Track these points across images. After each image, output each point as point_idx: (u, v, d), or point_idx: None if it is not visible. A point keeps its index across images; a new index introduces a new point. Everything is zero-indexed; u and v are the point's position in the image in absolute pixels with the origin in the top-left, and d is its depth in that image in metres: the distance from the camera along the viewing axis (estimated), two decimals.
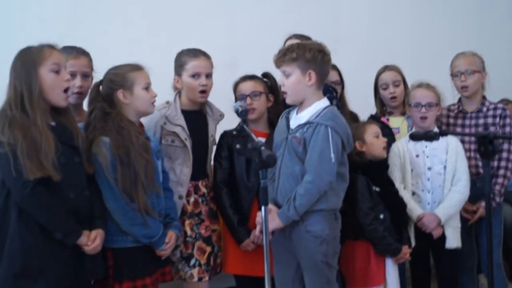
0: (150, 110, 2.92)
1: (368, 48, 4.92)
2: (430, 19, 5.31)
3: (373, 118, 3.70)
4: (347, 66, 3.76)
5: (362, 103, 3.84)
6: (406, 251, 3.14)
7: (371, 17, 5.11)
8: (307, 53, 2.79)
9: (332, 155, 2.73)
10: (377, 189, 3.14)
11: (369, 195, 3.12)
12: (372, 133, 3.26)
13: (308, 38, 3.39)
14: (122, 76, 2.82)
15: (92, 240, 2.59)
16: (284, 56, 2.83)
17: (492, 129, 3.45)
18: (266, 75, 3.36)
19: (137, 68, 2.87)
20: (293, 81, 2.83)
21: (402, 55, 4.01)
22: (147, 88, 2.86)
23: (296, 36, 3.49)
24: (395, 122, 3.70)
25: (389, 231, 3.12)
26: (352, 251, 3.14)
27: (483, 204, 3.40)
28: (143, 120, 3.02)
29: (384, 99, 3.73)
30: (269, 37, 3.69)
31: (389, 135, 3.52)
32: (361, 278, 3.15)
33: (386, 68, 3.76)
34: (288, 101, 2.93)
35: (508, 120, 3.48)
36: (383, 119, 3.70)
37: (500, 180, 3.42)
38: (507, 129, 3.46)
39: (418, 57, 4.57)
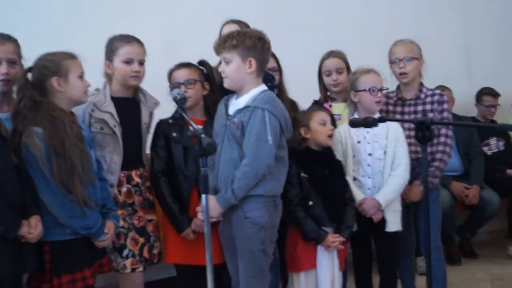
0: (83, 99, 2.91)
1: (312, 35, 4.98)
2: (373, 7, 5.44)
3: (316, 104, 3.76)
4: (290, 53, 3.79)
5: (306, 90, 3.88)
6: (332, 239, 3.19)
7: (313, 3, 5.18)
8: (247, 41, 2.83)
9: (269, 138, 2.77)
10: (306, 175, 3.21)
11: (297, 181, 3.19)
12: (318, 120, 3.32)
13: (245, 24, 3.41)
14: (57, 63, 2.78)
15: (34, 227, 2.56)
16: (224, 43, 2.87)
17: (430, 115, 3.53)
18: (201, 62, 3.36)
19: (71, 56, 2.84)
20: (233, 68, 2.87)
21: (345, 41, 4.06)
22: (81, 77, 2.84)
23: (234, 21, 3.50)
24: (337, 108, 3.75)
25: (319, 218, 3.19)
26: (285, 236, 3.23)
27: (416, 182, 3.51)
28: None
29: (327, 85, 3.79)
30: (208, 23, 3.69)
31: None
32: (290, 262, 3.24)
33: (330, 54, 3.81)
34: (226, 85, 2.96)
35: (445, 106, 3.57)
36: (326, 105, 3.75)
37: (436, 163, 3.52)
38: (445, 114, 3.55)
39: (358, 45, 4.65)
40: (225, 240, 3.02)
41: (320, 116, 3.32)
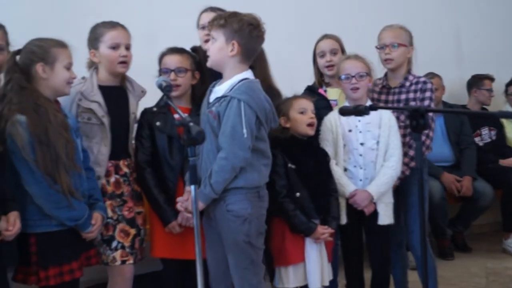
0: (66, 90, 2.96)
1: (298, 22, 5.10)
2: None
3: (310, 90, 3.83)
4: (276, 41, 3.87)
5: (300, 77, 3.97)
6: (322, 231, 3.27)
7: None
8: (235, 23, 2.90)
9: (245, 131, 2.82)
10: (293, 166, 3.27)
11: (284, 172, 3.25)
12: (297, 108, 3.36)
13: (223, 11, 3.48)
14: (45, 50, 2.85)
15: (12, 224, 2.63)
16: (214, 21, 2.96)
17: (412, 103, 3.57)
18: (195, 49, 3.42)
19: (62, 45, 2.91)
20: (216, 47, 2.95)
21: (337, 27, 4.15)
22: (68, 68, 2.91)
23: (212, 8, 3.59)
24: (333, 93, 3.80)
25: (307, 210, 3.26)
26: (271, 228, 3.25)
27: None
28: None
29: (321, 67, 3.84)
30: (187, 10, 3.77)
31: (326, 108, 3.66)
32: (277, 255, 3.29)
33: (325, 36, 3.89)
34: (208, 64, 3.04)
35: (427, 94, 3.59)
36: (321, 90, 3.81)
37: (412, 153, 3.57)
38: (426, 102, 3.57)
39: (348, 31, 4.76)
40: (206, 233, 3.06)
41: (299, 104, 3.38)
